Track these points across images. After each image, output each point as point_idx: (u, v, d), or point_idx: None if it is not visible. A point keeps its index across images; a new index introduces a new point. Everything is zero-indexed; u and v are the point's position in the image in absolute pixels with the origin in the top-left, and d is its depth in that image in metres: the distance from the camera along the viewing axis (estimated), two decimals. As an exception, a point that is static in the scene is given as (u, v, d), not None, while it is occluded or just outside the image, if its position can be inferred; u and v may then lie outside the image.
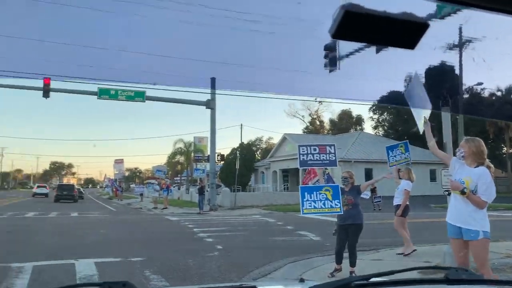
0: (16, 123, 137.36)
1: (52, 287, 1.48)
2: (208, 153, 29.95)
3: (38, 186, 55.32)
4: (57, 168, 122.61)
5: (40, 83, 22.92)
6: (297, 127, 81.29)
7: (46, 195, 48.02)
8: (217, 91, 24.69)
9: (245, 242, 11.67)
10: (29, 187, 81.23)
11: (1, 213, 21.61)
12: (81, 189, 49.70)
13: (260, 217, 19.73)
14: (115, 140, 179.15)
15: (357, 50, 13.68)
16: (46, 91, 23.09)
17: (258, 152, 57.69)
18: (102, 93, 24.50)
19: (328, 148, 7.43)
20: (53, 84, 23.16)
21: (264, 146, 62.98)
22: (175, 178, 57.37)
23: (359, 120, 62.38)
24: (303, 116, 64.53)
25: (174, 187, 41.61)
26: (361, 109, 66.82)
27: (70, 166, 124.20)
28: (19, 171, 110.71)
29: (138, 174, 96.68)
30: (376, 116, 55.87)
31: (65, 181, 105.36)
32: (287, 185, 42.41)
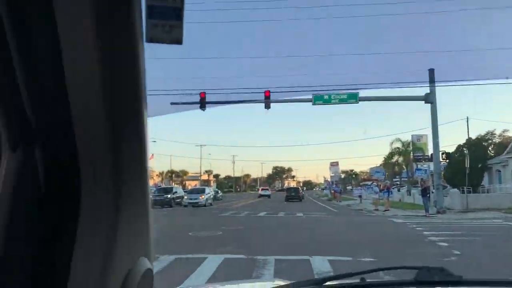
0: (245, 133, 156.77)
1: (359, 271, 1.46)
2: (429, 151, 27.80)
3: (262, 189, 65.55)
4: (279, 172, 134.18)
5: (261, 96, 25.44)
6: (543, 114, 67.01)
7: (268, 196, 56.19)
8: (436, 83, 22.64)
9: (488, 248, 10.25)
10: (256, 189, 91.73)
11: (240, 212, 24.84)
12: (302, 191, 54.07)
13: (502, 222, 17.08)
14: (331, 144, 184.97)
15: None
16: (267, 103, 25.43)
17: (490, 148, 50.42)
18: (317, 99, 25.60)
19: None
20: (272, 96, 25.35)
21: (497, 140, 54.61)
22: (393, 180, 55.36)
23: None
24: (551, 99, 52.62)
25: (393, 188, 40.19)
26: None
27: (289, 170, 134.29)
28: (247, 175, 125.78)
29: (353, 176, 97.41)
30: None
31: (286, 184, 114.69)
32: (534, 184, 35.66)
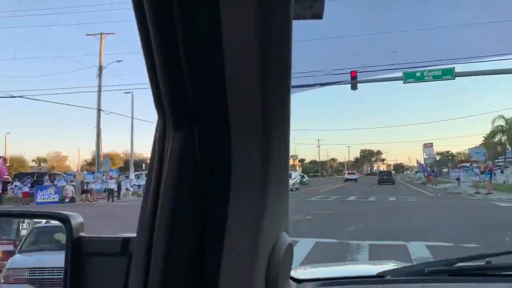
0: (331, 116, 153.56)
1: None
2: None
3: (348, 173, 66.41)
4: (367, 155, 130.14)
5: (347, 77, 24.64)
6: None
7: (355, 180, 56.18)
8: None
9: None
10: (342, 174, 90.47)
11: (328, 197, 24.60)
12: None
13: None
14: (423, 124, 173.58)
15: None
16: (354, 84, 24.60)
17: None
18: (408, 77, 24.27)
19: None
20: (359, 76, 24.47)
21: None
22: (496, 160, 50.95)
23: None
24: None
25: (496, 170, 36.94)
26: None
27: (378, 153, 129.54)
28: (333, 159, 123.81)
29: (449, 157, 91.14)
30: None
31: (375, 167, 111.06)
32: None
